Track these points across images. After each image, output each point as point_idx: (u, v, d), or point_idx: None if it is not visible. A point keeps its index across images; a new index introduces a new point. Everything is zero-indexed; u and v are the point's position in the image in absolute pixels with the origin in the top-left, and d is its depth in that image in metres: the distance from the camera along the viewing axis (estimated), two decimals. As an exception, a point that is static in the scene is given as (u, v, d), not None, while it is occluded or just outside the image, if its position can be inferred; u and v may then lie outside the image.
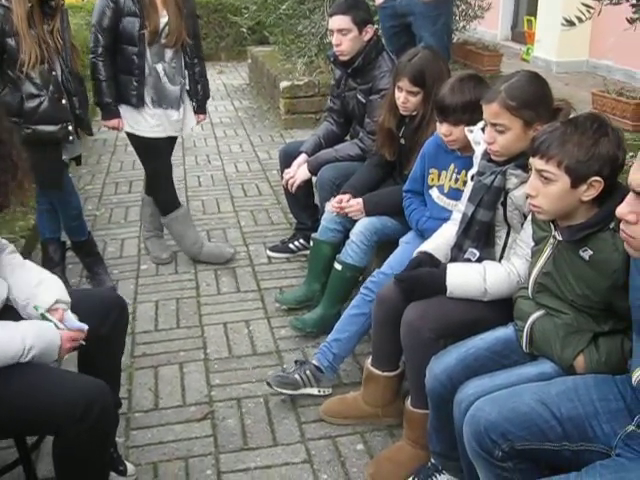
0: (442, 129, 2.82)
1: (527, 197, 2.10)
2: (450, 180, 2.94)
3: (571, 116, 2.16)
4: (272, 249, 4.33)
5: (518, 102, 2.30)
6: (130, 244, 4.56)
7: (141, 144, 3.96)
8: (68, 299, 2.28)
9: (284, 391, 2.98)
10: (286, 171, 4.01)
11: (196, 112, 4.12)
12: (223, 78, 9.66)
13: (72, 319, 2.24)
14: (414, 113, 3.25)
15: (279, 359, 3.31)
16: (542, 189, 2.02)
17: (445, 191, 2.96)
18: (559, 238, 2.07)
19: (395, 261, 2.93)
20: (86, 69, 4.06)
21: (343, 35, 3.66)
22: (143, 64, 3.74)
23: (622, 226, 1.60)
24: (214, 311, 3.74)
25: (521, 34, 9.75)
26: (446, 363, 2.25)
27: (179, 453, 2.74)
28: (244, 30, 8.26)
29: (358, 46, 3.70)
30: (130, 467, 2.60)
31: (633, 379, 1.80)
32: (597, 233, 1.99)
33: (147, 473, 2.64)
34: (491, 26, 10.19)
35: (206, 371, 3.23)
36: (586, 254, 2.02)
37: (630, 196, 1.57)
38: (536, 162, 2.02)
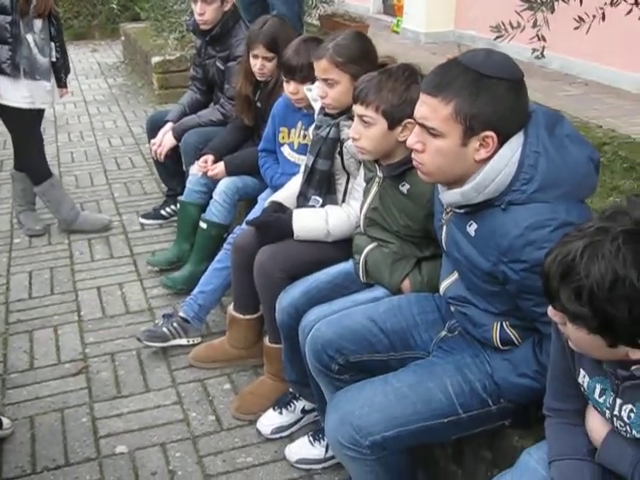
0: (290, 88, 3.04)
1: (352, 140, 2.34)
2: (299, 137, 3.16)
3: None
4: (144, 216, 4.47)
5: (344, 58, 2.55)
6: (2, 220, 4.58)
7: (11, 114, 3.99)
8: None
9: (154, 344, 3.15)
10: (152, 141, 4.14)
11: (60, 86, 4.19)
12: (97, 56, 9.55)
13: None
14: (269, 78, 3.46)
15: (152, 316, 3.48)
16: (364, 132, 2.27)
17: (295, 147, 3.18)
18: (380, 175, 2.34)
19: (253, 216, 3.13)
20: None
21: (207, 4, 3.81)
22: (18, 33, 3.78)
23: (413, 155, 1.86)
24: (88, 277, 3.86)
25: (392, 7, 10.11)
26: (292, 296, 2.49)
27: (55, 406, 2.88)
28: (114, 6, 8.24)
29: (219, 16, 3.87)
30: (6, 421, 2.72)
31: (441, 289, 2.09)
32: (412, 169, 2.23)
33: (24, 426, 2.77)
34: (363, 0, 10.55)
35: (80, 331, 3.37)
36: (405, 188, 2.29)
37: (416, 128, 1.83)
38: (357, 108, 2.27)
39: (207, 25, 3.87)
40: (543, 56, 4.08)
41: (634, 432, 1.51)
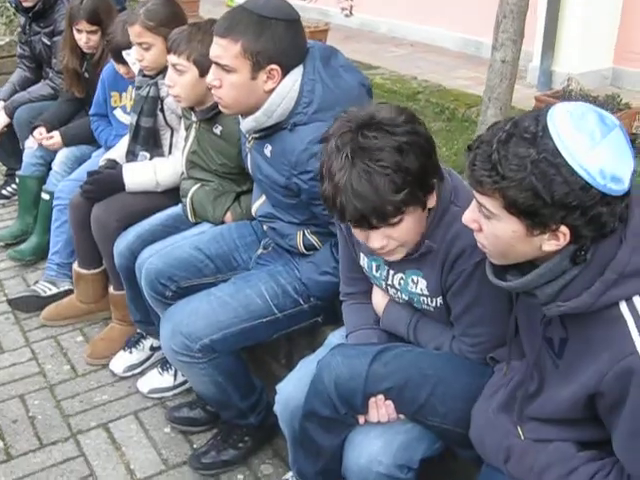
0: (121, 70, 3.20)
1: (168, 88, 2.58)
2: (130, 100, 3.34)
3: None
4: (-15, 198, 4.50)
5: (155, 22, 2.77)
6: None
7: None
8: None
9: (26, 294, 3.35)
10: (-15, 121, 4.18)
11: None
12: None
13: None
14: (95, 50, 3.60)
15: (1, 287, 3.57)
16: (178, 80, 2.51)
17: (128, 110, 3.36)
18: (195, 120, 2.59)
19: (82, 170, 3.30)
20: None
21: None
22: None
23: (212, 91, 2.13)
24: None
25: (224, -18, 10.27)
26: (127, 240, 2.71)
27: None
28: None
29: None
30: None
31: (252, 211, 2.38)
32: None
33: None
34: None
35: None
36: (218, 130, 2.56)
37: (213, 67, 2.09)
38: (171, 57, 2.50)
39: (29, 2, 3.96)
40: (352, 14, 4.45)
41: (404, 296, 1.86)
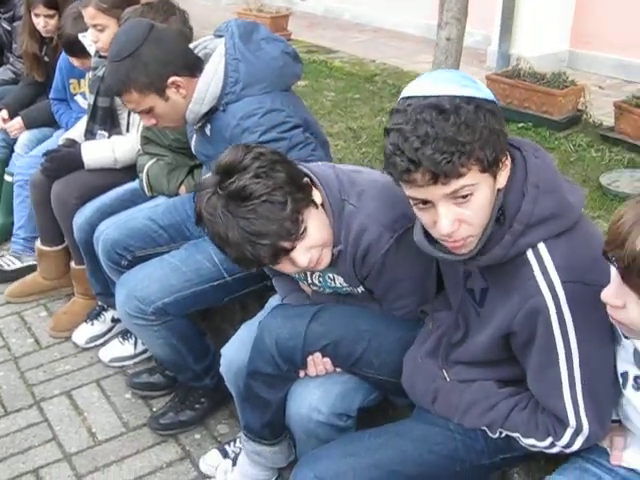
0: (75, 62, 3.27)
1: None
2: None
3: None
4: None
5: (108, 4, 2.84)
6: None
7: None
8: None
9: None
10: (-51, 107, 4.23)
11: None
12: None
13: None
14: (54, 34, 3.67)
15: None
16: None
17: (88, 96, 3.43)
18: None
19: (42, 148, 3.38)
20: None
21: None
22: None
23: (157, 126, 2.29)
24: None
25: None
26: (85, 214, 2.81)
27: None
28: None
29: None
30: None
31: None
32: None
33: None
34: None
35: None
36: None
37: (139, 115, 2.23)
38: None
39: (-18, -13, 4.01)
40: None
41: (328, 290, 1.98)
